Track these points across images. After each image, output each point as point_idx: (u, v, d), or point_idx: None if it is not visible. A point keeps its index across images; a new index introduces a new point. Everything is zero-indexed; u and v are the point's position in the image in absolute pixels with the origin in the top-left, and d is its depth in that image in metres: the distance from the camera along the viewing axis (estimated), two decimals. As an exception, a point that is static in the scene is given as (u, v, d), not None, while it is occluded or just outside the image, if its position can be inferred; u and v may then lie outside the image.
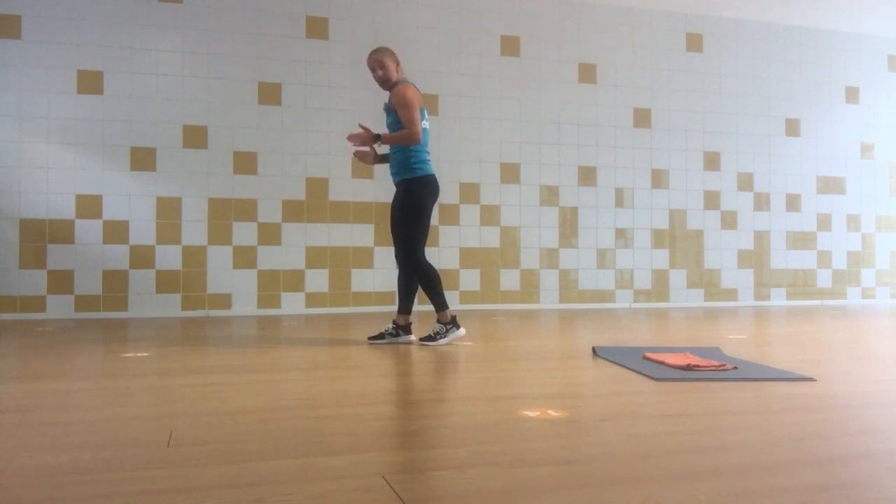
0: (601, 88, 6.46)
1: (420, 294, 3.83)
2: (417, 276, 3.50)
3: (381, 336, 3.60)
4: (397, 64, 3.52)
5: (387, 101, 3.50)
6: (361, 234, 5.81)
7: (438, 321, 3.51)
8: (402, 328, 3.58)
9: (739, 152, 6.84)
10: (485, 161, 6.15)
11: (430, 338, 3.49)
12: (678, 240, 6.66)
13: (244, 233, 5.59)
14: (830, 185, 7.10)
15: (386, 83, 3.50)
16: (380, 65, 3.47)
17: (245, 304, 5.57)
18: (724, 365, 2.62)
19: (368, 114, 5.83)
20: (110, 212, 5.34)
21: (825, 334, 4.00)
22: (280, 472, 1.37)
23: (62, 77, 5.26)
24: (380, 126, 3.79)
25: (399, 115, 3.39)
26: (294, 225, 5.69)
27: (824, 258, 7.06)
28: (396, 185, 3.52)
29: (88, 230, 5.29)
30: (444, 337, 3.47)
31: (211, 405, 2.00)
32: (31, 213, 5.20)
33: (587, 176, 6.42)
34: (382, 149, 3.66)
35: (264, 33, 5.66)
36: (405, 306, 3.59)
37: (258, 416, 1.86)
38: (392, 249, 3.72)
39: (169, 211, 5.44)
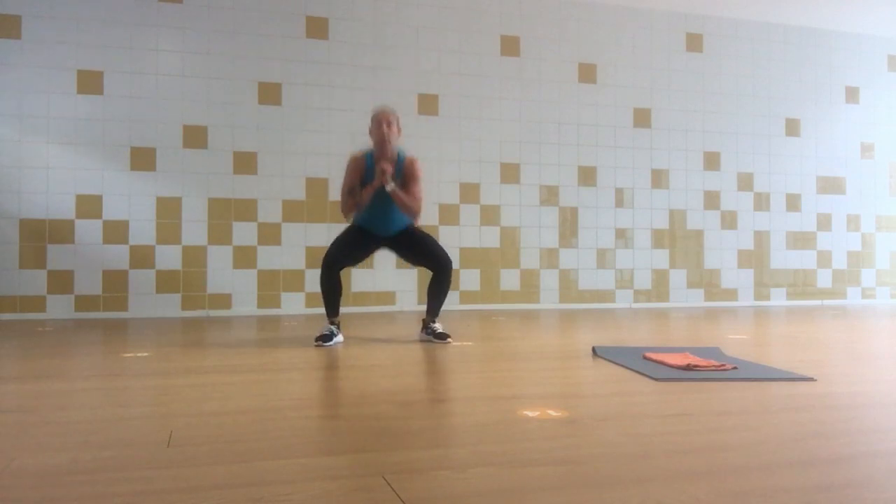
0: (601, 88, 6.46)
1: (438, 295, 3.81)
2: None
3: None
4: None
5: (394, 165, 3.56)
6: (361, 234, 5.81)
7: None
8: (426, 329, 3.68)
9: (739, 152, 6.84)
10: (485, 161, 6.15)
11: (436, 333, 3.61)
12: (678, 240, 6.66)
13: (244, 233, 5.59)
14: (830, 185, 7.10)
15: (390, 145, 3.53)
16: (396, 121, 3.57)
17: (245, 304, 5.57)
18: (724, 365, 2.62)
19: (367, 114, 5.83)
20: (110, 212, 5.34)
21: (825, 334, 4.00)
22: (280, 472, 1.37)
23: (62, 77, 5.26)
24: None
25: (413, 188, 3.54)
26: (294, 225, 5.69)
27: (824, 258, 7.06)
28: (404, 230, 3.73)
29: (88, 230, 5.29)
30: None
31: (211, 405, 2.00)
32: (31, 213, 5.20)
33: (587, 176, 6.42)
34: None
35: (264, 33, 5.66)
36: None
37: (258, 416, 1.86)
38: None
39: (169, 211, 5.44)
